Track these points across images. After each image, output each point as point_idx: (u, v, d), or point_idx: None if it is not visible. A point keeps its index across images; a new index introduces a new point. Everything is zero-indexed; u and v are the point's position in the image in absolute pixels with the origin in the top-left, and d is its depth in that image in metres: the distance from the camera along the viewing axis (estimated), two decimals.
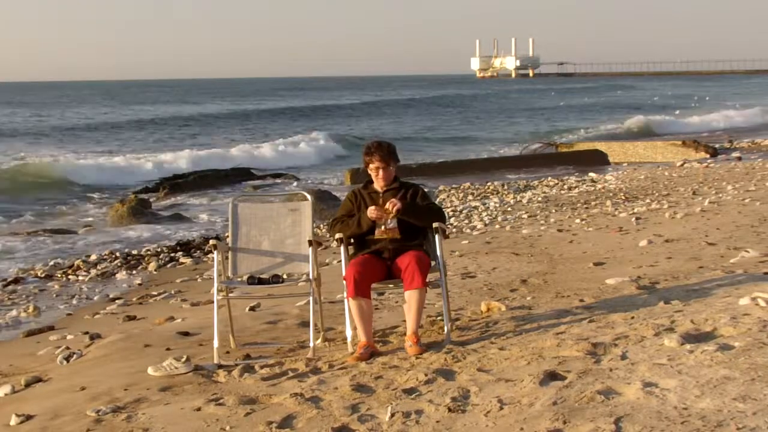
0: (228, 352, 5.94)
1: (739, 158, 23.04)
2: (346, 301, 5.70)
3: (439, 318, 6.19)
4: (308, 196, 6.31)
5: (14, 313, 9.21)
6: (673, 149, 25.49)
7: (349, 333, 5.70)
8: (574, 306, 6.34)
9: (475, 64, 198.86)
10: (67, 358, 6.36)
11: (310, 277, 5.83)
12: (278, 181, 24.32)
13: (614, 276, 7.36)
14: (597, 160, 24.48)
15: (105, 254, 12.72)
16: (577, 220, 12.20)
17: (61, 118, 53.27)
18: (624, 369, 4.55)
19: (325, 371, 5.22)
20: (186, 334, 6.73)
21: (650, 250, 8.90)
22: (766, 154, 24.56)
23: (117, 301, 9.61)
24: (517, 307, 6.54)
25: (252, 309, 7.48)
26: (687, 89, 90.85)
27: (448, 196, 17.79)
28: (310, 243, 5.88)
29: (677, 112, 48.79)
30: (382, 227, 5.69)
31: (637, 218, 11.64)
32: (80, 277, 11.22)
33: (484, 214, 14.49)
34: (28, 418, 4.91)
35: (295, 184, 23.42)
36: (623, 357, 4.77)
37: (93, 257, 12.49)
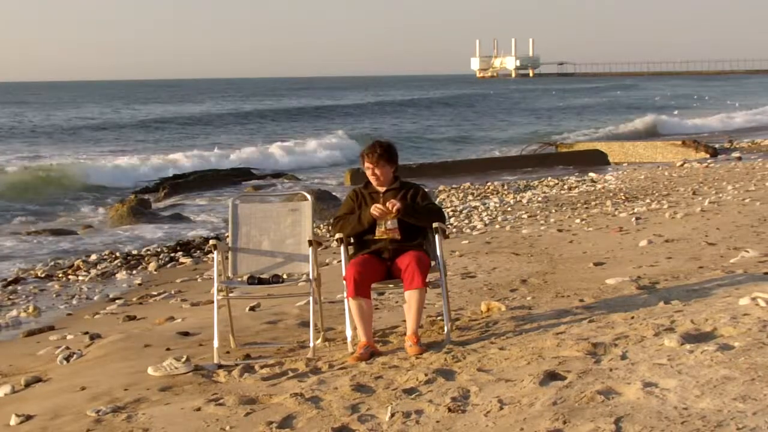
0: (228, 352, 5.94)
1: (739, 158, 23.04)
2: (346, 301, 5.70)
3: (439, 318, 6.19)
4: (308, 196, 6.31)
5: (14, 313, 9.21)
6: (673, 149, 25.49)
7: (349, 333, 5.70)
8: (574, 306, 6.34)
9: (475, 64, 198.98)
10: (67, 358, 6.36)
11: (310, 277, 5.83)
12: (278, 181, 24.32)
13: (614, 276, 7.36)
14: (597, 160, 24.48)
15: (105, 254, 12.73)
16: (577, 220, 12.20)
17: (61, 118, 53.23)
18: (624, 369, 4.55)
19: (325, 371, 5.22)
20: (186, 334, 6.73)
21: (650, 250, 8.90)
22: (766, 154, 24.56)
23: (117, 301, 9.61)
24: (517, 307, 6.54)
25: (252, 309, 7.48)
26: (687, 89, 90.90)
27: (448, 196, 17.79)
28: (310, 243, 5.88)
29: (676, 112, 48.81)
30: (383, 227, 5.69)
31: (637, 218, 11.65)
32: (80, 277, 11.23)
33: (484, 214, 14.49)
34: (28, 418, 4.91)
35: (289, 184, 23.41)
36: (623, 357, 4.77)
37: (93, 257, 12.49)
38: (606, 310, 6.02)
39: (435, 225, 5.70)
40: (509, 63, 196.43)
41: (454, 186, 19.46)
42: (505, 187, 18.90)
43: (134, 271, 11.61)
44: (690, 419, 3.78)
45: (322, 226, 13.99)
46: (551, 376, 4.54)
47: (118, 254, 12.72)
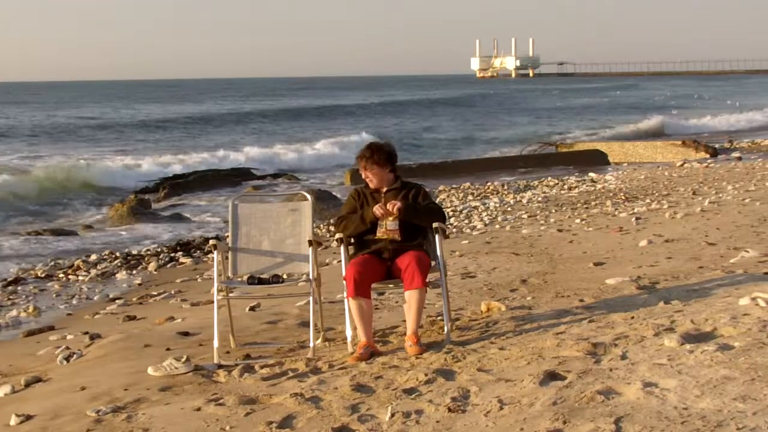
0: (228, 352, 5.94)
1: (739, 158, 23.04)
2: (346, 301, 5.70)
3: (439, 318, 6.19)
4: (308, 196, 6.31)
5: (14, 313, 9.21)
6: (673, 149, 25.48)
7: (349, 333, 5.70)
8: (574, 306, 6.34)
9: (475, 64, 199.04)
10: (67, 358, 6.36)
11: (310, 277, 5.83)
12: (278, 181, 24.32)
13: (614, 276, 7.36)
14: (597, 160, 24.48)
15: (105, 254, 12.73)
16: (577, 220, 12.20)
17: (61, 118, 53.22)
18: (624, 369, 4.55)
19: (325, 371, 5.22)
20: (186, 334, 6.73)
21: (650, 250, 8.90)
22: (766, 154, 24.56)
23: (117, 301, 9.61)
24: (517, 307, 6.54)
25: (252, 309, 7.48)
26: (687, 89, 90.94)
27: (448, 196, 17.80)
28: (310, 243, 5.88)
29: (674, 111, 48.79)
30: (384, 227, 5.70)
31: (637, 218, 11.65)
32: (80, 277, 11.23)
33: (484, 214, 14.49)
34: (28, 418, 4.91)
35: (285, 186, 23.40)
36: (623, 357, 4.77)
37: (93, 257, 12.50)
38: (606, 310, 6.02)
39: (435, 225, 5.70)
40: (509, 63, 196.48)
41: (454, 186, 19.46)
42: (505, 187, 18.90)
43: (134, 271, 11.61)
44: (690, 419, 3.78)
45: (322, 226, 13.99)
46: (551, 376, 4.54)
47: (118, 254, 12.72)
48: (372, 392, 4.70)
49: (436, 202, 6.05)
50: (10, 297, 10.16)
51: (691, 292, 6.38)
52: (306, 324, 6.18)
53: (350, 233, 5.81)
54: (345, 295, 5.68)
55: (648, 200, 14.38)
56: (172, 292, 9.79)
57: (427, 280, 5.55)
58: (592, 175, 20.57)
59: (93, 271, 11.52)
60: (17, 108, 68.42)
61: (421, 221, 5.76)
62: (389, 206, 5.67)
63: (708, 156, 24.57)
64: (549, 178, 20.52)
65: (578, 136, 34.97)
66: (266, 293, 6.22)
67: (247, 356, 5.83)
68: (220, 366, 5.54)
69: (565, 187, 18.56)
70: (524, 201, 15.99)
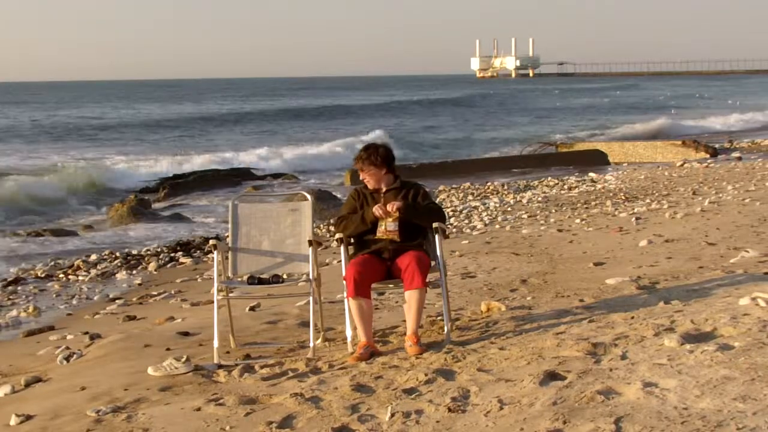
0: (228, 352, 5.94)
1: (739, 158, 23.04)
2: (346, 301, 5.70)
3: (439, 318, 6.19)
4: (308, 196, 6.31)
5: (14, 313, 9.21)
6: (673, 149, 25.49)
7: (349, 333, 5.70)
8: (574, 306, 6.34)
9: (475, 64, 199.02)
10: (67, 358, 6.36)
11: (310, 277, 5.83)
12: (278, 181, 24.32)
13: (614, 276, 7.36)
14: (597, 160, 24.48)
15: (105, 254, 12.73)
16: (577, 220, 12.20)
17: (61, 118, 53.22)
18: (624, 369, 4.55)
19: (325, 371, 5.22)
20: (186, 334, 6.73)
21: (650, 250, 8.90)
22: (766, 154, 24.56)
23: (117, 301, 9.61)
24: (517, 307, 6.54)
25: (252, 309, 7.48)
26: (688, 89, 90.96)
27: (448, 196, 17.80)
28: (310, 243, 5.88)
29: (673, 111, 48.76)
30: (383, 227, 5.70)
31: (637, 218, 11.65)
32: (80, 277, 11.23)
33: (484, 214, 14.49)
34: (28, 418, 4.91)
35: (285, 186, 23.39)
36: (623, 357, 4.77)
37: (93, 257, 12.50)
38: (606, 310, 6.02)
39: (435, 225, 5.71)
40: (509, 63, 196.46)
41: (454, 186, 19.46)
42: (505, 187, 18.90)
43: (134, 271, 11.61)
44: (690, 419, 3.78)
45: (322, 226, 13.99)
46: (551, 376, 4.54)
47: (118, 254, 12.72)
48: (372, 392, 4.70)
49: (436, 202, 6.05)
50: (10, 297, 10.16)
51: (691, 292, 6.38)
52: (306, 324, 6.18)
53: (350, 233, 5.82)
54: (345, 295, 5.68)
55: (648, 200, 14.38)
56: (172, 292, 9.79)
57: (427, 280, 5.55)
58: (592, 175, 20.57)
59: (93, 271, 11.52)
60: (17, 108, 68.43)
61: (421, 221, 5.76)
62: (389, 207, 5.67)
63: (708, 156, 24.58)
64: (549, 178, 20.52)
65: (581, 137, 34.90)
66: (266, 293, 6.22)
67: (247, 356, 5.83)
68: (220, 366, 5.54)
69: (565, 187, 18.56)
70: (524, 201, 15.99)
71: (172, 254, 12.65)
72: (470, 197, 17.51)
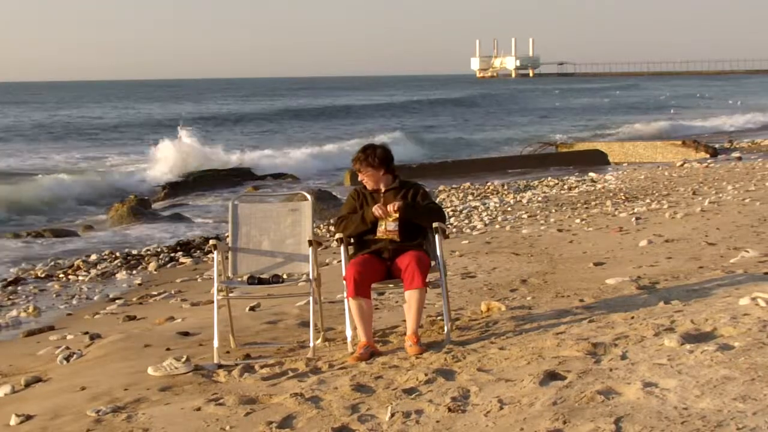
0: (228, 352, 5.94)
1: (739, 158, 23.04)
2: (346, 301, 5.70)
3: (439, 318, 6.19)
4: (308, 196, 6.31)
5: (14, 313, 9.21)
6: (673, 149, 25.48)
7: (349, 333, 5.70)
8: (574, 306, 6.34)
9: (475, 64, 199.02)
10: (67, 358, 6.36)
11: (310, 277, 5.83)
12: (278, 181, 24.31)
13: (614, 276, 7.36)
14: (597, 160, 24.48)
15: (105, 254, 12.73)
16: (577, 220, 12.20)
17: (62, 118, 53.21)
18: (624, 369, 4.55)
19: (325, 371, 5.22)
20: (186, 334, 6.73)
21: (650, 250, 8.90)
22: (766, 154, 24.56)
23: (117, 301, 9.61)
24: (517, 307, 6.54)
25: (252, 309, 7.48)
26: (688, 89, 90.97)
27: (448, 196, 17.80)
28: (310, 243, 5.88)
29: (672, 111, 48.75)
30: (383, 227, 5.70)
31: (637, 218, 11.65)
32: (80, 277, 11.22)
33: (484, 214, 14.49)
34: (28, 418, 4.91)
35: (285, 186, 23.39)
36: (623, 357, 4.77)
37: (93, 257, 12.49)
38: (606, 310, 6.02)
39: (435, 225, 5.71)
40: (509, 63, 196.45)
41: (454, 186, 19.46)
42: (505, 187, 18.90)
43: (134, 271, 11.61)
44: (690, 419, 3.78)
45: (322, 226, 13.99)
46: (551, 376, 4.54)
47: (118, 254, 12.72)
48: (372, 392, 4.70)
49: (436, 202, 6.05)
50: (10, 297, 10.16)
51: (691, 292, 6.38)
52: (306, 324, 6.18)
53: (350, 233, 5.82)
54: (345, 295, 5.68)
55: (648, 200, 14.38)
56: (172, 292, 9.79)
57: (427, 280, 5.55)
58: (592, 175, 20.57)
59: (93, 271, 11.52)
60: (17, 108, 68.42)
61: (421, 221, 5.76)
62: (389, 207, 5.67)
63: (708, 156, 24.57)
64: (549, 178, 20.52)
65: (582, 137, 34.87)
66: (266, 293, 6.22)
67: (247, 356, 5.83)
68: (220, 366, 5.54)
69: (565, 187, 18.56)
70: (524, 201, 15.99)
71: (172, 254, 12.65)
72: (470, 197, 17.51)
